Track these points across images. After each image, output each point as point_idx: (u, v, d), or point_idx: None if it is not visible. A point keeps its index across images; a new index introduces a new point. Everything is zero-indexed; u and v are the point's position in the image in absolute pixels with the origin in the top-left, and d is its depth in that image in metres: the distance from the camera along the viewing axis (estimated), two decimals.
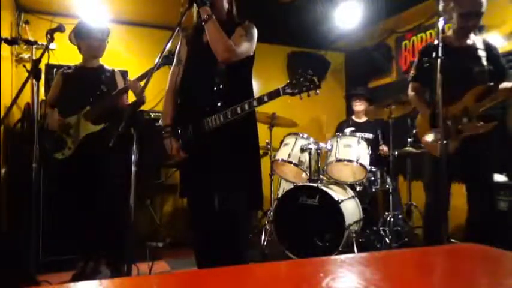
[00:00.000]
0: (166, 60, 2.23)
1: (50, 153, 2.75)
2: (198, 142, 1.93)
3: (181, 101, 2.08)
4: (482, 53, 2.45)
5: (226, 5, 2.04)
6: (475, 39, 2.51)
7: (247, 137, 2.00)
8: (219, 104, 1.88)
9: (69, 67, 2.95)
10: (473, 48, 2.47)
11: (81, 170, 2.71)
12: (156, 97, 2.88)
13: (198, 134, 1.92)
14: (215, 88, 1.91)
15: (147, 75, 2.44)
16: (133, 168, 1.65)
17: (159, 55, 1.77)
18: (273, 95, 1.78)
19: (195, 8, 1.96)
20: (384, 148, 3.89)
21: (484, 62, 2.43)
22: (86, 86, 2.82)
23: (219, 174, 1.91)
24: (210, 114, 1.88)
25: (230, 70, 1.92)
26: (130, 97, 2.92)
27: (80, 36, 2.85)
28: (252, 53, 2.02)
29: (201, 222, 2.05)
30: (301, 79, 1.74)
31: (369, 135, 3.50)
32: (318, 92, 1.75)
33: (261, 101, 1.79)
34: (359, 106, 4.30)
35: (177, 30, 1.87)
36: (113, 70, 2.97)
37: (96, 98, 2.77)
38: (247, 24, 2.02)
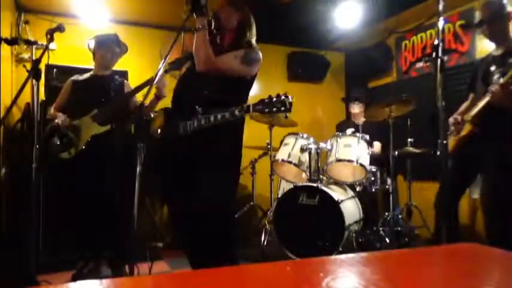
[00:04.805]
0: (173, 65, 2.27)
1: (56, 153, 2.77)
2: (175, 145, 1.97)
3: (173, 105, 2.13)
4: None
5: (234, 22, 2.07)
6: None
7: (225, 140, 2.02)
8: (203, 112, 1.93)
9: (80, 74, 3.00)
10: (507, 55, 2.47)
11: (86, 170, 2.72)
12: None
13: (174, 137, 1.97)
14: (202, 99, 1.95)
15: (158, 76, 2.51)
16: (138, 168, 1.66)
17: (163, 60, 1.79)
18: (245, 110, 1.84)
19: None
20: (375, 149, 3.80)
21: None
22: (96, 91, 2.87)
23: (198, 175, 1.94)
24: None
25: (219, 84, 1.95)
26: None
27: (97, 45, 2.92)
28: (248, 78, 2.04)
29: (183, 223, 2.08)
30: (274, 100, 1.78)
31: (367, 136, 3.49)
32: (287, 116, 1.82)
33: (233, 114, 1.85)
34: (355, 109, 4.30)
35: (180, 35, 1.90)
36: (123, 81, 3.04)
37: (105, 101, 2.81)
38: (250, 49, 2.04)
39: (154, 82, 1.96)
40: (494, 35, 2.50)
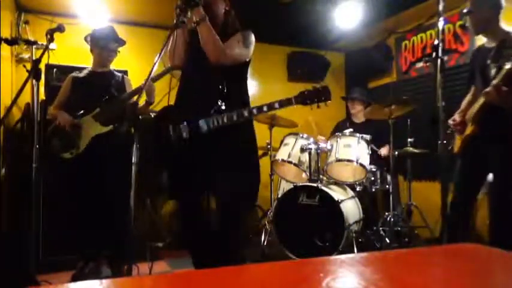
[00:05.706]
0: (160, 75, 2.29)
1: (58, 152, 2.76)
2: (193, 142, 1.94)
3: (178, 102, 2.10)
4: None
5: (223, 10, 2.07)
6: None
7: (244, 138, 2.02)
8: (219, 104, 1.90)
9: (79, 71, 2.99)
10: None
11: (88, 170, 2.72)
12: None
13: (195, 133, 1.93)
14: (212, 91, 1.93)
15: (159, 77, 2.53)
16: (133, 168, 1.66)
17: (158, 56, 1.79)
18: (285, 103, 1.84)
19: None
20: (383, 151, 3.85)
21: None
22: (96, 89, 2.87)
23: (215, 175, 1.93)
24: (209, 115, 1.89)
25: (226, 73, 1.94)
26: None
27: (93, 43, 2.92)
28: (247, 59, 2.04)
29: (195, 222, 2.06)
30: (313, 91, 1.81)
31: (368, 136, 3.49)
32: (327, 103, 1.83)
33: (271, 107, 1.85)
34: (355, 109, 4.29)
35: (174, 33, 1.89)
36: (123, 76, 3.04)
37: (106, 100, 2.81)
38: (246, 32, 2.05)
39: (148, 84, 1.94)
40: (482, 25, 2.43)
